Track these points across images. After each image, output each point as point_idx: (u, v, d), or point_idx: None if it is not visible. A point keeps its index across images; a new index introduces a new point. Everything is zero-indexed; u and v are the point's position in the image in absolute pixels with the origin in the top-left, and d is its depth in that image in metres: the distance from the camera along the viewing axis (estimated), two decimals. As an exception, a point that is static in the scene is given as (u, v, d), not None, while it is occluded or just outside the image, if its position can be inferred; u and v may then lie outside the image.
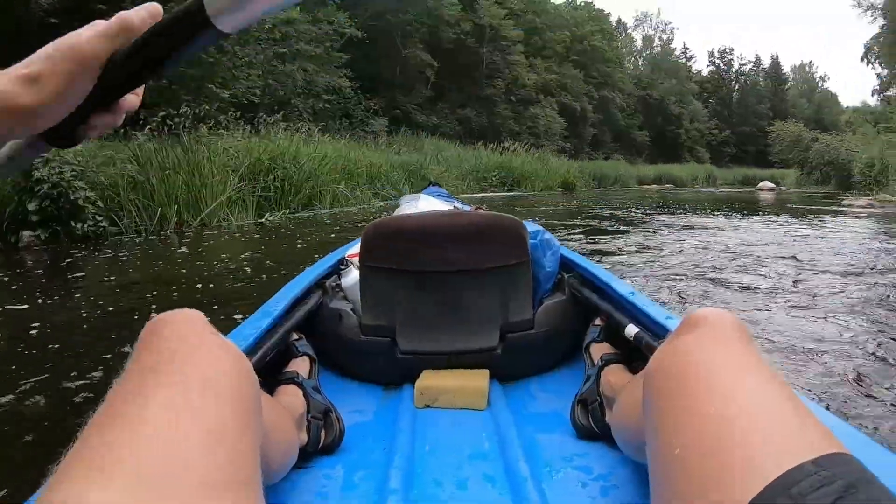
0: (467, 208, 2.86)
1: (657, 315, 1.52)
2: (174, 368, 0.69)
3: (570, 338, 1.94)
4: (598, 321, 1.82)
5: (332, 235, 8.39)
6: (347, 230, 8.86)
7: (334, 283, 2.06)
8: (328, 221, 10.36)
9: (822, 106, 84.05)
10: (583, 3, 60.71)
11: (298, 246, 7.45)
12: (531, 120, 40.66)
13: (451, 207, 2.81)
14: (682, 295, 4.61)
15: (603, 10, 61.89)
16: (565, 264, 2.11)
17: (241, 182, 10.01)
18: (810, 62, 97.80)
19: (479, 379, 1.71)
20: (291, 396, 1.45)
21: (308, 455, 1.36)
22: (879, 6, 39.86)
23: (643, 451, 0.83)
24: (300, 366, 1.62)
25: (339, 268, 2.10)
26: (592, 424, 1.44)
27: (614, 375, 1.51)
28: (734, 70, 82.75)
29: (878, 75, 45.94)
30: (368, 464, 1.36)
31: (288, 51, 20.14)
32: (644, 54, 75.59)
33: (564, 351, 1.96)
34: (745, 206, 18.07)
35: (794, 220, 11.79)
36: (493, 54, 38.45)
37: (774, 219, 12.33)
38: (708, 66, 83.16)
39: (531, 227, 1.98)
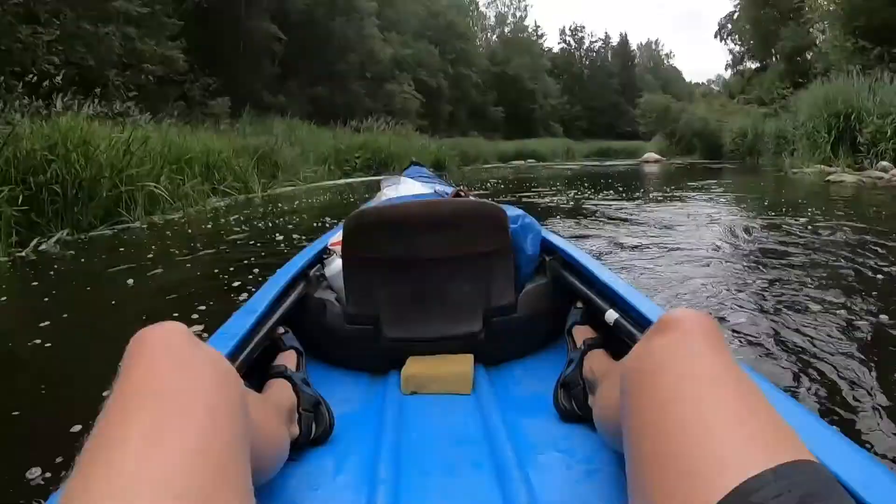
0: (449, 190, 3.07)
1: (636, 302, 1.52)
2: (157, 388, 0.70)
3: (553, 320, 1.95)
4: (579, 304, 1.84)
5: (155, 273, 4.90)
6: (175, 258, 5.65)
7: (318, 273, 2.05)
8: (146, 240, 6.81)
9: (668, 81, 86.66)
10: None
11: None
12: (387, 97, 37.80)
13: (433, 190, 2.98)
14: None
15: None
16: (547, 247, 2.11)
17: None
18: (657, 40, 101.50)
19: (463, 364, 1.73)
20: (281, 390, 1.44)
21: (300, 447, 1.37)
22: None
23: (621, 441, 0.84)
24: (288, 359, 1.63)
25: (322, 257, 2.12)
26: (575, 408, 1.47)
27: (596, 360, 1.53)
28: (585, 47, 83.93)
29: (731, 51, 48.13)
30: (358, 453, 1.38)
31: (100, 9, 15.93)
32: (497, 31, 74.33)
33: (547, 333, 1.97)
34: (665, 181, 16.10)
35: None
36: (346, 27, 35.08)
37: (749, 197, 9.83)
38: (559, 43, 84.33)
39: (512, 211, 1.99)
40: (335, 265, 1.98)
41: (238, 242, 6.34)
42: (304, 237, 6.26)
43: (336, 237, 2.12)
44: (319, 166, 18.44)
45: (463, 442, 1.41)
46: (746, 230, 6.20)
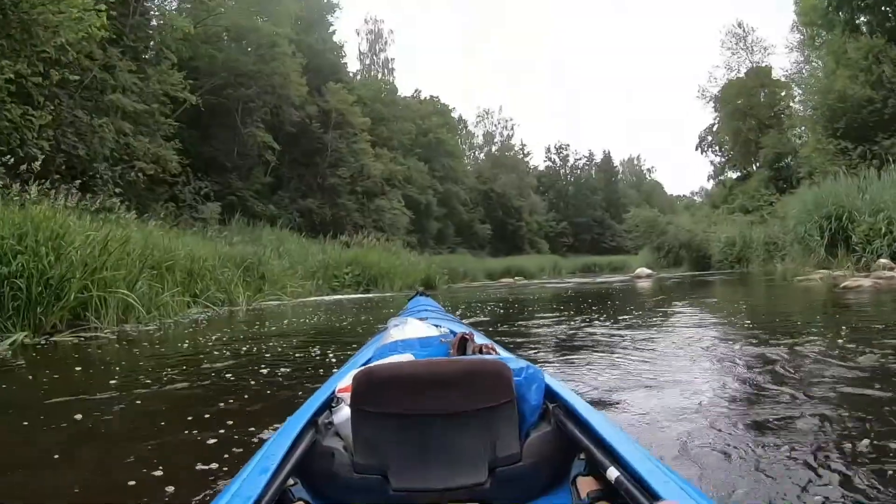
0: (457, 329, 3.19)
1: (638, 462, 1.48)
2: None
3: (558, 466, 1.95)
4: (583, 455, 1.83)
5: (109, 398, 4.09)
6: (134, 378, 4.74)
7: (327, 421, 2.03)
8: (111, 356, 5.90)
9: (650, 195, 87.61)
10: (428, 97, 59.79)
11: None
12: (377, 212, 37.62)
13: (439, 332, 3.01)
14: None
15: (448, 105, 61.32)
16: (550, 393, 2.08)
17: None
18: (638, 155, 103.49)
19: None
20: None
21: None
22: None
23: None
24: None
25: (330, 405, 2.10)
26: None
27: None
28: (570, 165, 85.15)
29: (711, 162, 49.70)
30: None
31: (97, 101, 15.61)
32: (485, 150, 75.53)
33: (552, 479, 1.96)
34: (667, 297, 14.81)
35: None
36: (339, 141, 35.13)
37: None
38: (545, 161, 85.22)
39: (516, 363, 2.03)
40: (343, 413, 1.99)
41: (216, 374, 5.08)
42: (296, 376, 4.97)
43: (343, 382, 2.14)
44: (307, 281, 17.71)
45: None
46: (796, 361, 4.59)
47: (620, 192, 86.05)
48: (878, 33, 23.52)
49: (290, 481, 1.70)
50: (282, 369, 5.27)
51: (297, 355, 6.15)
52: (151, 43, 21.70)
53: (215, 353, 6.20)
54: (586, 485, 1.73)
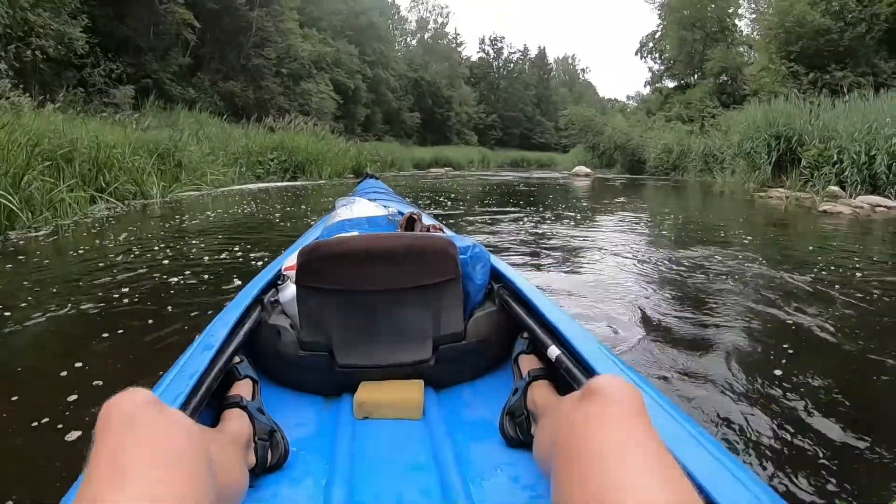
0: (405, 210, 3.14)
1: (578, 342, 1.52)
2: (125, 464, 0.76)
3: (501, 346, 1.97)
4: (525, 334, 1.84)
5: None
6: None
7: (272, 299, 2.02)
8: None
9: (582, 95, 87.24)
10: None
11: None
12: (303, 96, 35.48)
13: (387, 212, 3.01)
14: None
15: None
16: (495, 274, 2.11)
17: None
18: (573, 55, 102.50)
19: (413, 390, 1.75)
20: (237, 420, 1.45)
21: (256, 474, 1.38)
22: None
23: None
24: (243, 388, 1.61)
25: (276, 282, 2.10)
26: (520, 435, 1.51)
27: (540, 392, 1.54)
28: (503, 58, 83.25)
29: (650, 69, 50.21)
30: (313, 480, 1.41)
31: None
32: (417, 36, 72.60)
33: (495, 358, 1.99)
34: (616, 197, 13.94)
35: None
36: (265, 19, 32.87)
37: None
38: (478, 52, 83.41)
39: (462, 241, 2.03)
40: (289, 291, 1.97)
41: (113, 290, 4.11)
42: (216, 289, 4.15)
43: (289, 261, 2.13)
44: (229, 168, 16.41)
45: (413, 468, 1.43)
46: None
47: (553, 90, 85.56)
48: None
49: (237, 359, 1.68)
50: (207, 276, 4.46)
51: (225, 261, 5.25)
52: None
53: (117, 259, 5.23)
54: (528, 363, 1.74)
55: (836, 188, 13.51)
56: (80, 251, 5.72)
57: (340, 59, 43.66)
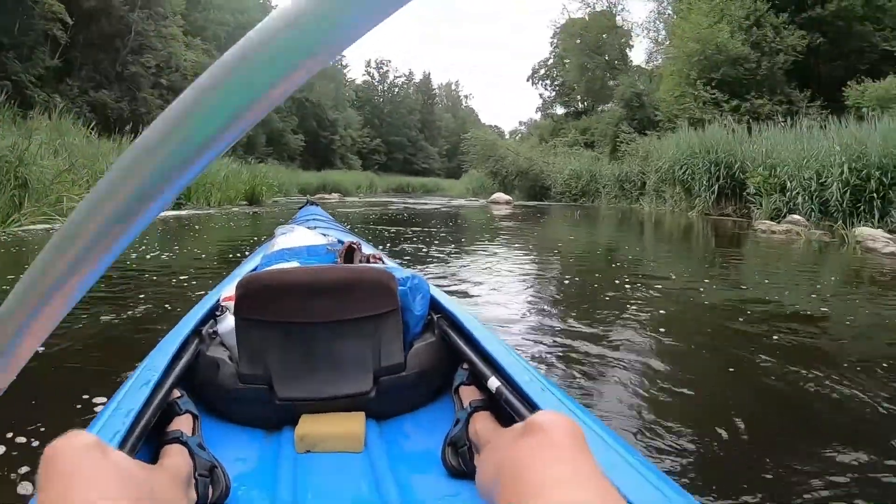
0: (344, 238, 3.18)
1: (517, 374, 1.53)
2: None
3: (441, 376, 1.94)
4: (465, 365, 1.82)
5: None
6: None
7: (211, 331, 1.95)
8: None
9: (465, 121, 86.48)
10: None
11: None
12: (184, 111, 32.11)
13: (326, 241, 2.95)
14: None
15: (270, 1, 54.73)
16: (435, 305, 2.09)
17: None
18: (456, 81, 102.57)
19: (354, 423, 1.72)
20: (177, 457, 1.40)
21: None
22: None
23: None
24: (183, 423, 1.54)
25: (214, 314, 2.04)
26: (462, 465, 1.48)
27: (481, 423, 1.53)
28: (388, 82, 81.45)
29: (541, 95, 51.62)
30: None
31: None
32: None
33: (436, 388, 1.97)
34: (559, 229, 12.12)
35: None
36: (146, 23, 29.15)
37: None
38: (363, 75, 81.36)
39: (401, 273, 2.02)
40: (227, 322, 1.92)
41: None
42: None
43: (228, 291, 2.09)
44: None
45: (356, 501, 1.41)
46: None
47: (437, 115, 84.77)
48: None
49: (176, 393, 1.63)
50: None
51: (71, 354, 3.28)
52: None
53: None
54: (469, 394, 1.71)
55: (799, 217, 13.24)
56: None
57: (224, 72, 40.34)
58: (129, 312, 4.18)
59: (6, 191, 8.85)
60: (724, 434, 2.39)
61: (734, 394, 3.02)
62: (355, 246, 2.70)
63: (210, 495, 1.35)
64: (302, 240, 2.88)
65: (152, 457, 1.42)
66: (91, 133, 17.22)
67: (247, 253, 5.62)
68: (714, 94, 23.31)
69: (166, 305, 4.44)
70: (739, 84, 23.28)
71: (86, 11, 25.33)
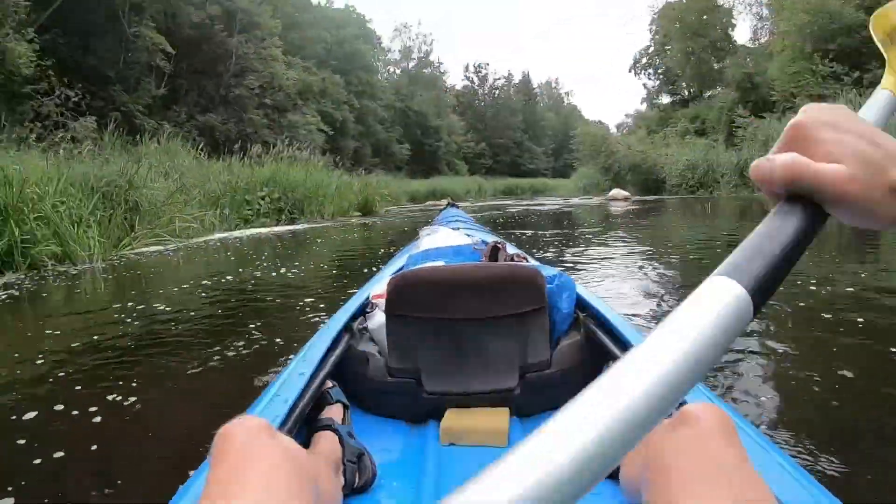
0: (488, 239, 3.04)
1: None
2: (244, 485, 0.79)
3: (586, 375, 1.87)
4: (612, 363, 1.64)
5: None
6: None
7: (361, 326, 2.04)
8: None
9: (568, 118, 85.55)
10: (343, 6, 54.17)
11: None
12: (290, 129, 31.70)
13: (471, 241, 2.92)
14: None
15: (364, 16, 55.32)
16: (581, 303, 2.09)
17: None
18: (556, 79, 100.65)
19: (499, 418, 1.72)
20: (328, 442, 1.47)
21: (343, 496, 1.38)
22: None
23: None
24: (334, 412, 1.62)
25: (364, 310, 2.09)
26: None
27: None
28: (488, 84, 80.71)
29: (644, 85, 50.83)
30: (399, 503, 1.41)
31: None
32: (401, 66, 69.61)
33: (581, 386, 1.32)
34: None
35: None
36: (246, 46, 29.44)
37: None
38: (462, 80, 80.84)
39: (548, 271, 2.03)
40: (377, 319, 1.96)
41: None
42: None
43: (377, 288, 2.15)
44: (208, 210, 12.43)
45: None
46: None
47: (539, 115, 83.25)
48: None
49: (328, 383, 1.69)
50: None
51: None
52: None
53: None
54: None
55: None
56: None
57: (326, 88, 40.50)
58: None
59: (117, 215, 8.58)
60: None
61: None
62: (500, 245, 2.68)
63: (357, 480, 1.41)
64: (447, 240, 2.93)
65: (304, 442, 1.47)
66: (200, 154, 17.09)
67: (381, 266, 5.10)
68: (833, 66, 21.60)
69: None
70: (859, 54, 21.18)
71: (186, 40, 25.72)
